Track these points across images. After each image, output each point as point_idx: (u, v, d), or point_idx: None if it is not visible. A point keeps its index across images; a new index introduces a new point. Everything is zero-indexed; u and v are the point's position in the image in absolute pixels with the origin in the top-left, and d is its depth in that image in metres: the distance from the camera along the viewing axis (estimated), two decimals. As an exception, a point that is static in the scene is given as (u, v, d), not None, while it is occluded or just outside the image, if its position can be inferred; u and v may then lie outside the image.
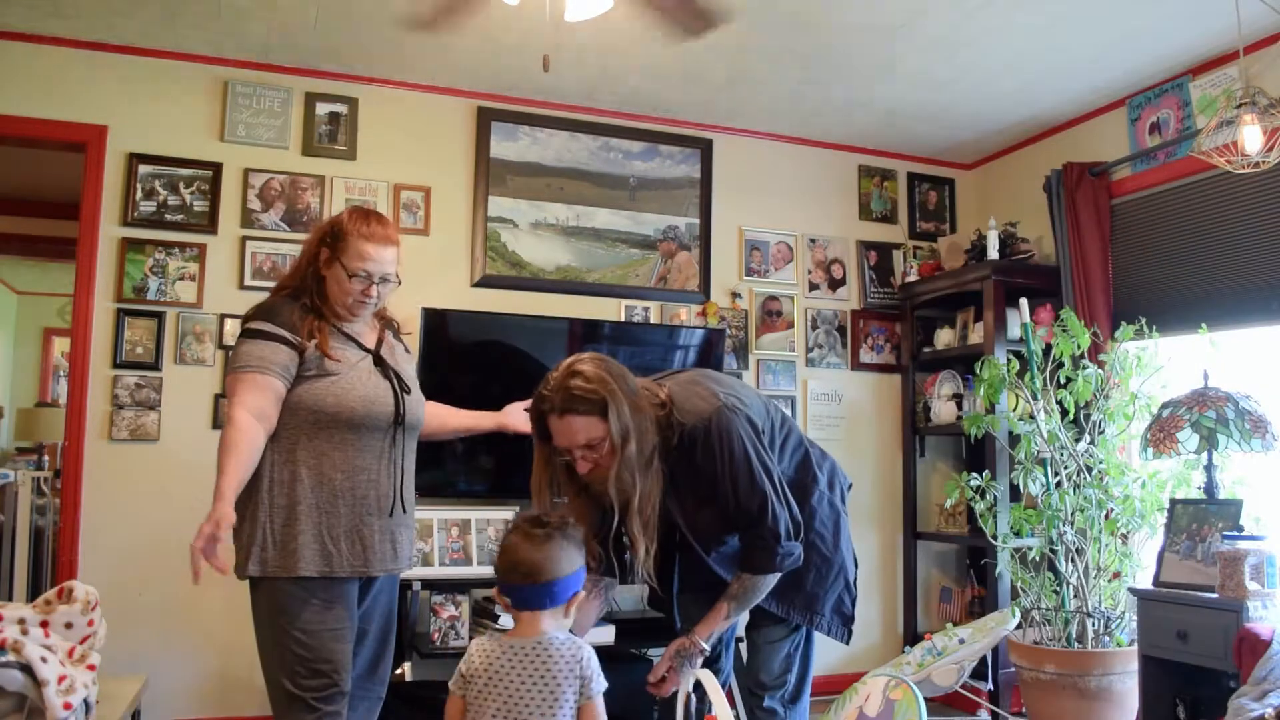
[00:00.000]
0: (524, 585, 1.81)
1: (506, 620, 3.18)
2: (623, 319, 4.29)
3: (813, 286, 4.66)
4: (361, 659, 2.30)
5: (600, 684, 1.83)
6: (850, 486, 2.46)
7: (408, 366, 2.41)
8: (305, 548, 2.13)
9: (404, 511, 2.32)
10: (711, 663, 2.30)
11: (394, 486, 2.29)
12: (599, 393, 1.93)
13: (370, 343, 2.33)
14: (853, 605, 2.33)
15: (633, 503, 1.97)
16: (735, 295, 4.51)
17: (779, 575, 2.13)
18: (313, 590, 2.13)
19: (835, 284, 4.69)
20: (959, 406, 4.39)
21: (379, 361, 2.31)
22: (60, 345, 7.50)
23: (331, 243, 2.25)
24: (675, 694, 2.16)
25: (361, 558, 2.20)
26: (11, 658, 1.83)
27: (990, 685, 3.91)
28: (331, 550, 2.16)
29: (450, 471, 3.75)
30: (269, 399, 2.14)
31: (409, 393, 2.33)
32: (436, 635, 3.38)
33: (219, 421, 3.62)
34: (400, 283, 2.33)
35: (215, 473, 2.05)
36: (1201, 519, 3.07)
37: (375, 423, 2.24)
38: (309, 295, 2.26)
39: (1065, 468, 3.60)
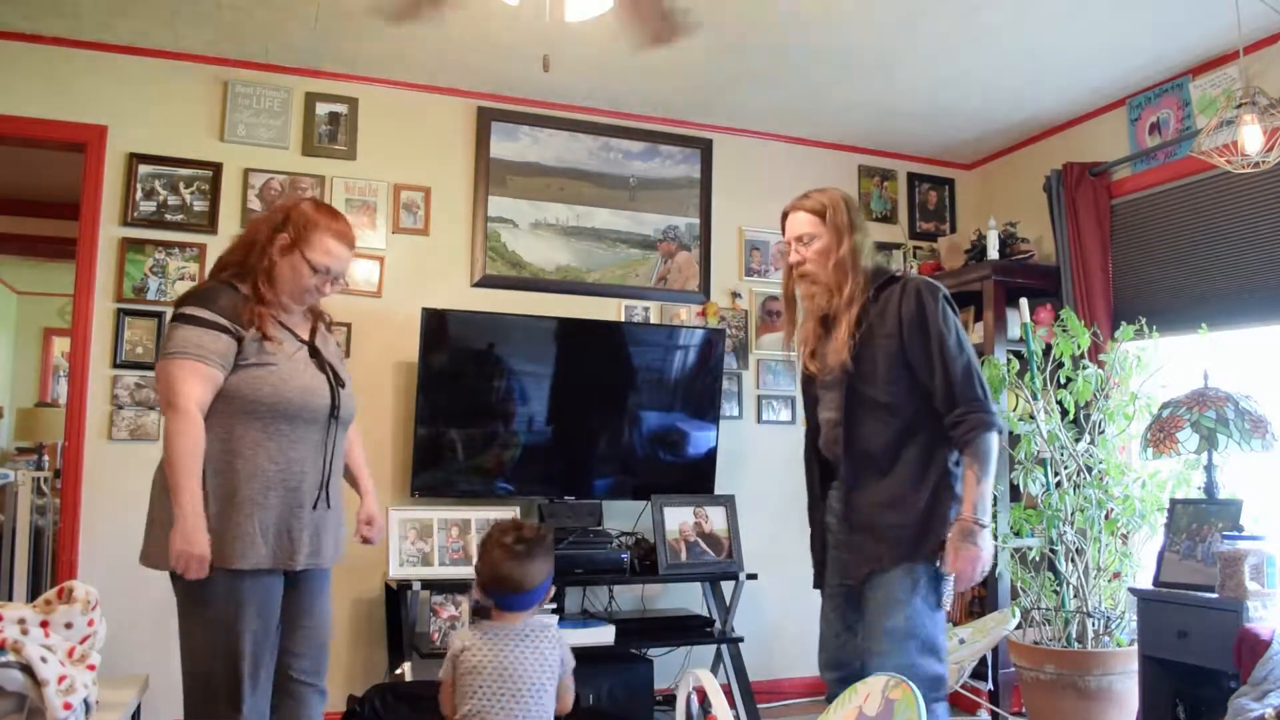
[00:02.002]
0: (516, 594, 2.07)
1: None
2: (623, 319, 4.29)
3: (813, 286, 4.66)
4: (306, 654, 2.30)
5: (572, 660, 2.10)
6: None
7: (339, 360, 2.40)
8: (239, 540, 2.10)
9: (329, 507, 2.30)
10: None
11: (322, 480, 2.27)
12: (824, 202, 2.34)
13: (304, 334, 2.32)
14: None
15: (844, 289, 2.28)
16: (735, 295, 4.51)
17: (997, 436, 2.20)
18: (241, 582, 2.11)
19: (835, 284, 4.69)
20: (959, 406, 4.38)
21: (314, 353, 2.30)
22: (60, 345, 7.50)
23: (295, 231, 2.23)
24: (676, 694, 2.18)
25: (289, 551, 2.18)
26: (11, 658, 1.84)
27: (990, 685, 3.91)
28: (261, 543, 2.14)
29: (450, 471, 3.75)
30: (209, 391, 2.12)
31: (343, 386, 2.33)
32: (436, 635, 3.38)
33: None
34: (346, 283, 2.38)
35: (169, 468, 2.04)
36: (1201, 519, 3.07)
37: (311, 415, 2.23)
38: (254, 280, 2.22)
39: (1065, 468, 3.60)
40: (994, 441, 2.18)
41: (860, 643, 2.27)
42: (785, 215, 2.41)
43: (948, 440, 2.23)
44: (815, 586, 2.45)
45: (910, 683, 1.87)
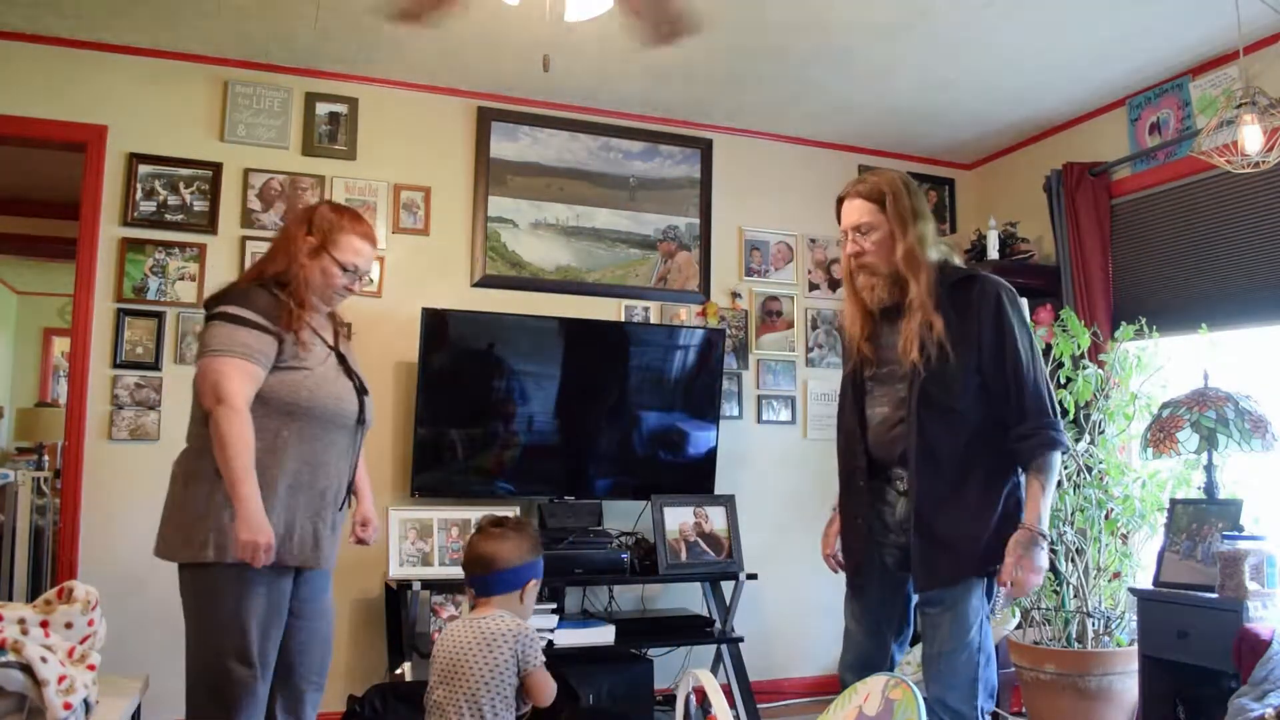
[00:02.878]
0: (483, 575, 2.15)
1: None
2: (623, 319, 4.29)
3: (813, 286, 4.67)
4: (315, 652, 2.34)
5: (539, 657, 2.10)
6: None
7: (359, 368, 2.46)
8: None
9: (348, 507, 2.39)
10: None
11: (346, 483, 2.35)
12: (882, 188, 2.20)
13: (330, 338, 2.37)
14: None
15: (917, 282, 2.15)
16: (735, 295, 4.51)
17: (1063, 453, 2.17)
18: (256, 579, 2.13)
19: (835, 284, 4.69)
20: (959, 406, 4.38)
21: (340, 359, 2.36)
22: (60, 345, 7.50)
23: (321, 235, 2.30)
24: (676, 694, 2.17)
25: (312, 550, 2.23)
26: (11, 658, 1.83)
27: (990, 685, 3.91)
28: (288, 540, 2.17)
29: (450, 471, 3.75)
30: (254, 389, 2.16)
31: (367, 394, 2.39)
32: (436, 635, 3.37)
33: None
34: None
35: (226, 462, 2.07)
36: (1201, 519, 3.07)
37: (343, 420, 2.29)
38: (292, 284, 2.27)
39: (1065, 468, 3.60)
40: (1058, 459, 2.14)
41: (923, 655, 2.21)
42: (840, 201, 2.29)
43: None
44: (850, 585, 2.35)
45: (909, 682, 1.87)
